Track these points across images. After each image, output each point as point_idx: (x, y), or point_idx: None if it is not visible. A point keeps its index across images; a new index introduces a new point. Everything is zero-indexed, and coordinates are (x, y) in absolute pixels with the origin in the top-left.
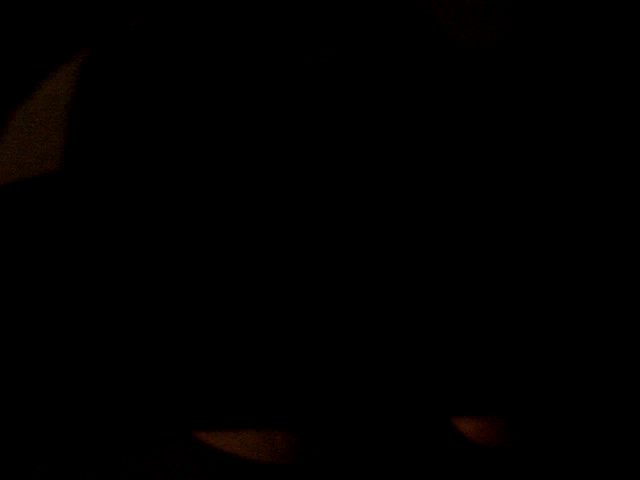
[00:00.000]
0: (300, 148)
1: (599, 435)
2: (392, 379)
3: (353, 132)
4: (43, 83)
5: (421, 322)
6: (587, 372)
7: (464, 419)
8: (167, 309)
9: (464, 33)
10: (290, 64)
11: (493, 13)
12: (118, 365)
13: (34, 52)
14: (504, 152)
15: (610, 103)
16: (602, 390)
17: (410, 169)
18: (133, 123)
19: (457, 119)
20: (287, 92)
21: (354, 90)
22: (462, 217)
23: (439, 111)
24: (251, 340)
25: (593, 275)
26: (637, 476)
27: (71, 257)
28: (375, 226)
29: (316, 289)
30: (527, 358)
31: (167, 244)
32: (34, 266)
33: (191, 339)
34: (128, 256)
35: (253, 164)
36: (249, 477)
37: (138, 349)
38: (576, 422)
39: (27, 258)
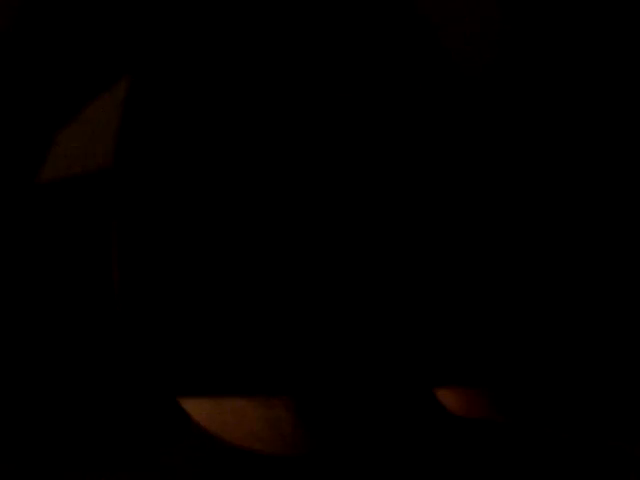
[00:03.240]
0: (302, 152)
1: (580, 405)
2: (378, 347)
3: (350, 135)
4: (97, 100)
5: (406, 295)
6: (568, 344)
7: (446, 391)
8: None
9: (460, 40)
10: (286, 70)
11: (489, 19)
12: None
13: (85, 77)
14: (502, 156)
15: (609, 106)
16: (583, 361)
17: (405, 174)
18: (171, 132)
19: (452, 124)
20: (287, 98)
21: (347, 96)
22: (446, 201)
23: (434, 118)
24: (248, 312)
25: (571, 253)
26: (614, 452)
27: (107, 239)
28: (363, 204)
29: (309, 265)
30: (509, 330)
31: (193, 237)
32: (82, 250)
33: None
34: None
35: (266, 171)
36: (255, 471)
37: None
38: (558, 394)
39: (77, 242)
